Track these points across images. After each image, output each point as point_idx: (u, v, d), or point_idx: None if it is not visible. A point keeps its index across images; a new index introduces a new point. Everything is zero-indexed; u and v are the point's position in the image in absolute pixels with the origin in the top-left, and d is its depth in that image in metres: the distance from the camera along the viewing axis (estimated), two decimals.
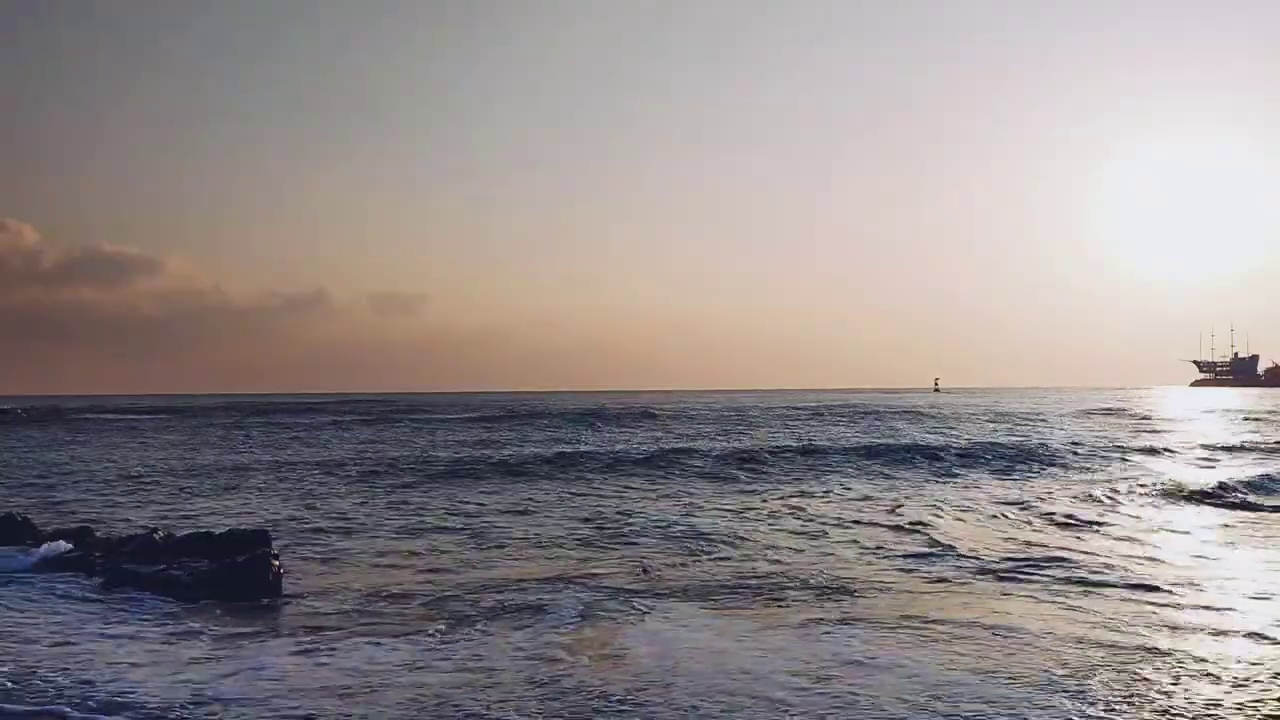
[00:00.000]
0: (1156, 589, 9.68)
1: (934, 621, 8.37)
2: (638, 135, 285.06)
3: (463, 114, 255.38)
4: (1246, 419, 46.94)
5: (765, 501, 17.43)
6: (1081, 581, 10.07)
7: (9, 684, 6.66)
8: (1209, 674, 6.80)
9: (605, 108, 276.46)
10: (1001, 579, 10.31)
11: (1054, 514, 15.27)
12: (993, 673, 6.86)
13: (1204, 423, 45.08)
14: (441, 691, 6.49)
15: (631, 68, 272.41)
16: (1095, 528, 14.18)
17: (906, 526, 14.08)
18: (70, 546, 11.78)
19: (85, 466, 24.95)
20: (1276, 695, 6.32)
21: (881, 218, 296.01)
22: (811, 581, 10.17)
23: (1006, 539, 13.07)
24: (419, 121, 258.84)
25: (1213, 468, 23.90)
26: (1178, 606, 8.91)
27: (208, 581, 9.83)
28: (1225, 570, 10.93)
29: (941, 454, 26.02)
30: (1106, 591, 9.61)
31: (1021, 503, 16.76)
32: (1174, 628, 8.10)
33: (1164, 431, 38.17)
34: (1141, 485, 19.24)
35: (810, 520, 14.80)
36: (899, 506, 16.40)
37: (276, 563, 10.14)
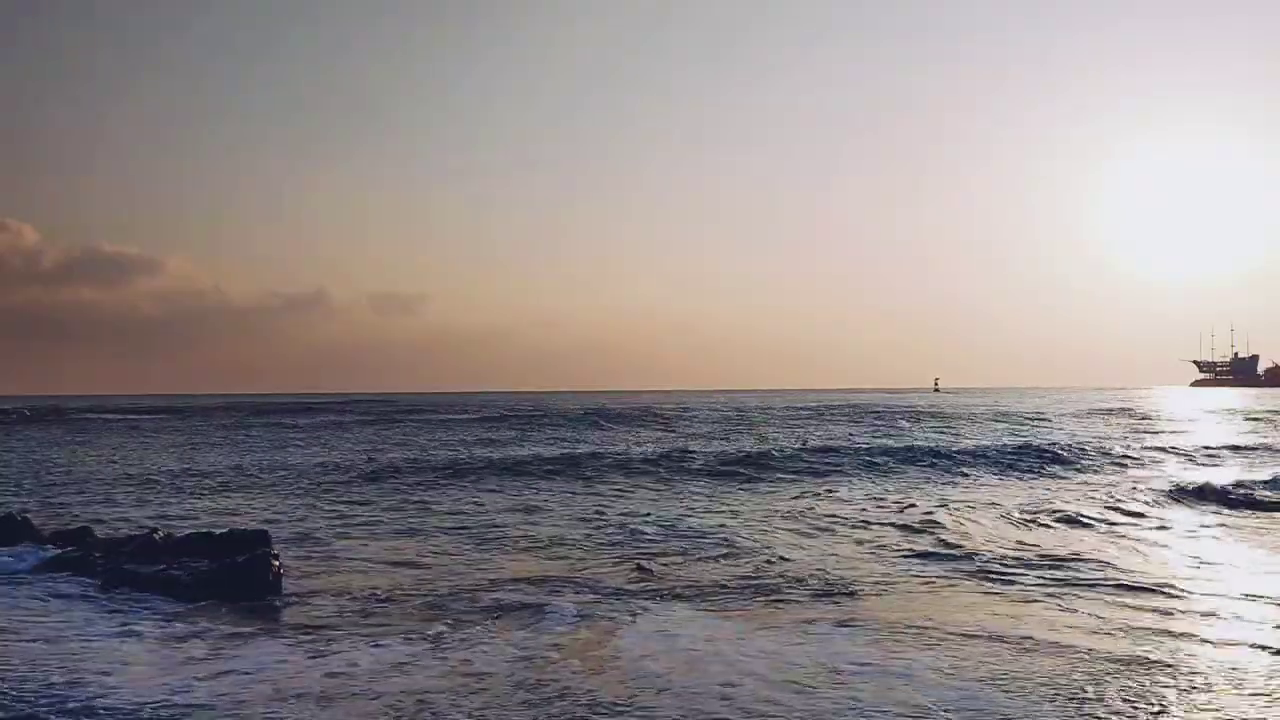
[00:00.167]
0: (1162, 592, 9.55)
1: (933, 625, 8.31)
2: (638, 135, 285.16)
3: (463, 114, 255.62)
4: (1249, 419, 46.89)
5: (768, 502, 17.41)
6: (1089, 585, 9.97)
7: None
8: (1217, 685, 6.59)
9: (605, 108, 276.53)
10: (1005, 581, 10.25)
11: (1060, 514, 15.22)
12: (988, 681, 6.72)
13: (1207, 423, 45.05)
14: (425, 696, 6.43)
15: (631, 68, 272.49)
16: (1102, 529, 14.17)
17: (912, 526, 14.06)
18: (70, 546, 11.77)
19: (85, 466, 24.93)
20: None
21: (881, 218, 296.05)
22: (811, 582, 10.15)
23: (1011, 540, 13.03)
24: (419, 121, 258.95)
25: (1220, 467, 23.89)
26: (1185, 613, 8.72)
27: (208, 581, 9.82)
28: (1234, 573, 10.85)
29: (945, 454, 25.97)
30: (1111, 594, 9.53)
31: (1027, 503, 16.70)
32: (1181, 635, 7.92)
33: (1168, 431, 38.15)
34: (1148, 486, 19.20)
35: (813, 520, 14.78)
36: (904, 506, 16.38)
37: (277, 563, 10.13)
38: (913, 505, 16.54)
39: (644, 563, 11.27)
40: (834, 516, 15.15)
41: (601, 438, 35.85)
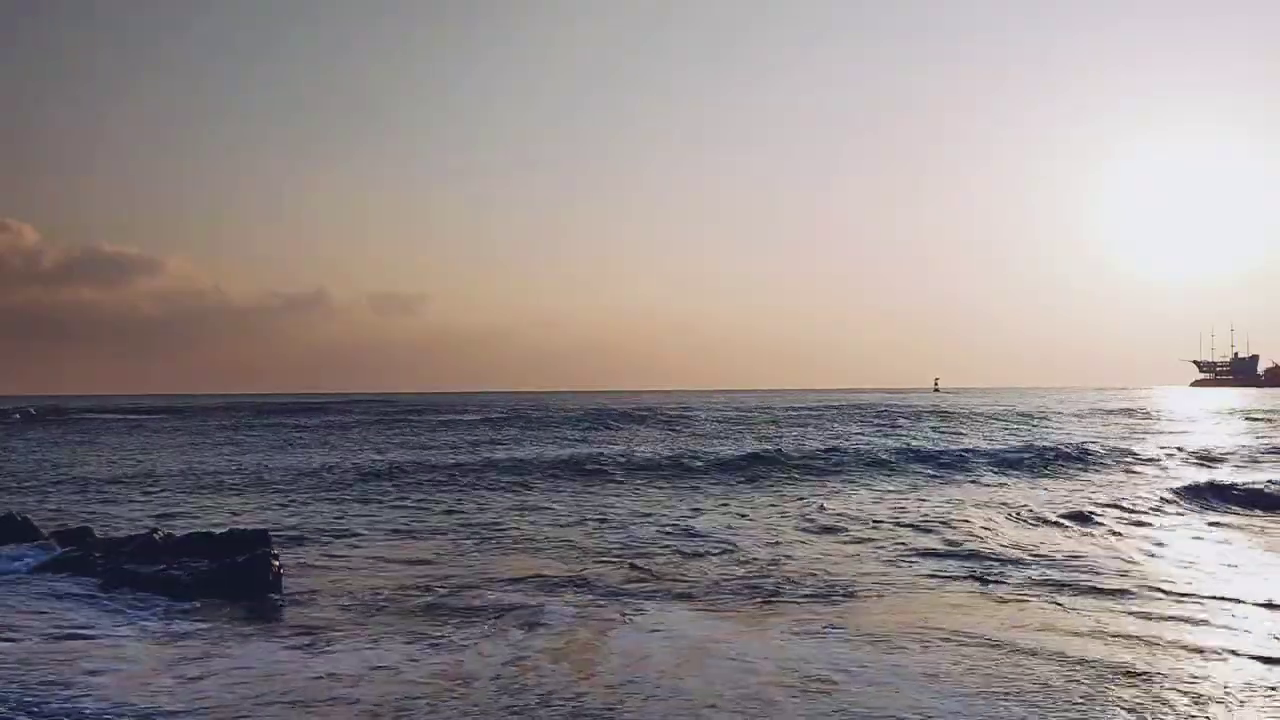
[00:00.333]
0: (1169, 597, 9.37)
1: (932, 627, 8.22)
2: (638, 135, 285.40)
3: (463, 114, 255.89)
4: (1250, 419, 46.86)
5: (770, 502, 17.38)
6: (1093, 587, 9.84)
7: None
8: (1224, 698, 6.37)
9: (605, 108, 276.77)
10: (1007, 583, 10.17)
11: (1063, 515, 15.15)
12: (983, 687, 6.52)
13: (1209, 422, 45.02)
14: (405, 701, 6.34)
15: (631, 68, 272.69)
16: (1106, 529, 14.10)
17: (915, 526, 14.02)
18: (70, 546, 11.74)
19: (85, 466, 24.91)
20: None
21: (881, 218, 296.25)
22: (812, 583, 10.12)
23: (1014, 540, 12.97)
24: (419, 121, 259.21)
25: (1224, 467, 23.83)
26: (1192, 619, 8.47)
27: (208, 581, 9.79)
28: (1242, 576, 10.74)
29: (947, 454, 25.94)
30: (1115, 598, 9.36)
31: (1030, 503, 16.62)
32: (1187, 643, 7.62)
33: (1171, 432, 38.09)
34: (1152, 485, 19.21)
35: (815, 520, 14.74)
36: (906, 506, 16.35)
37: (277, 563, 10.11)
38: (916, 505, 16.51)
39: (644, 563, 11.24)
40: (837, 516, 15.11)
41: (602, 438, 35.81)
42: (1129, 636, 7.87)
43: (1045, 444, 29.24)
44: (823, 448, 28.09)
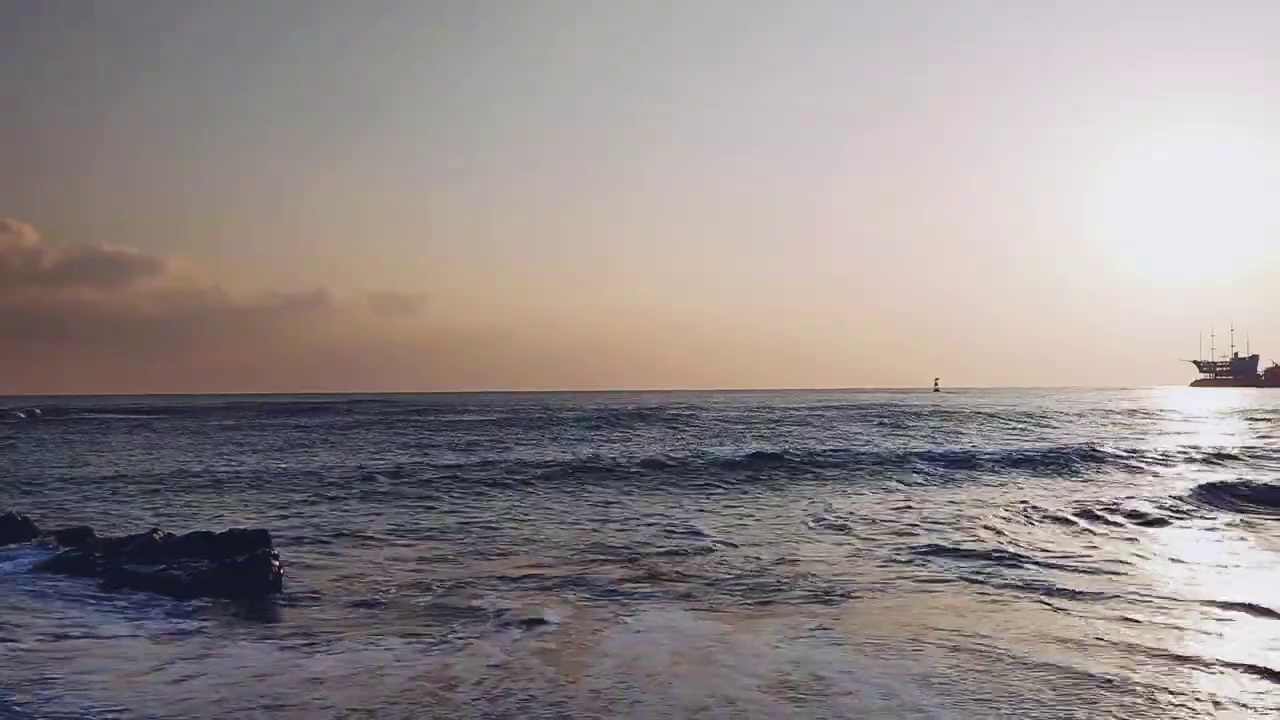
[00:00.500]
0: (1173, 600, 9.19)
1: (928, 629, 8.14)
2: (638, 135, 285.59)
3: (463, 114, 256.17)
4: (1251, 419, 46.81)
5: (772, 502, 17.36)
6: (1095, 591, 9.69)
7: None
8: (1224, 708, 6.19)
9: (605, 108, 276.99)
10: (1008, 585, 10.05)
11: (1066, 515, 15.09)
12: (975, 692, 6.41)
13: (1210, 422, 44.96)
14: (382, 707, 6.23)
15: (631, 68, 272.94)
16: (1110, 530, 14.04)
17: (916, 527, 13.98)
18: (70, 546, 11.72)
19: (85, 466, 24.89)
20: None
21: (881, 218, 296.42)
22: (813, 584, 10.07)
23: (1016, 541, 12.91)
24: (419, 121, 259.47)
25: (1227, 467, 23.75)
26: (1195, 628, 8.20)
27: (208, 581, 9.77)
28: (1247, 577, 10.64)
29: (949, 454, 25.89)
30: (1118, 603, 9.15)
31: (1032, 503, 16.51)
32: (1188, 654, 7.35)
33: (1172, 432, 38.00)
34: (1155, 485, 19.20)
35: (817, 520, 14.71)
36: (908, 506, 16.31)
37: (277, 562, 10.09)
38: (919, 505, 16.47)
39: (644, 563, 11.21)
40: (839, 516, 15.06)
41: (603, 438, 35.78)
42: (1131, 644, 7.66)
43: (1049, 444, 29.21)
44: (825, 448, 28.05)
